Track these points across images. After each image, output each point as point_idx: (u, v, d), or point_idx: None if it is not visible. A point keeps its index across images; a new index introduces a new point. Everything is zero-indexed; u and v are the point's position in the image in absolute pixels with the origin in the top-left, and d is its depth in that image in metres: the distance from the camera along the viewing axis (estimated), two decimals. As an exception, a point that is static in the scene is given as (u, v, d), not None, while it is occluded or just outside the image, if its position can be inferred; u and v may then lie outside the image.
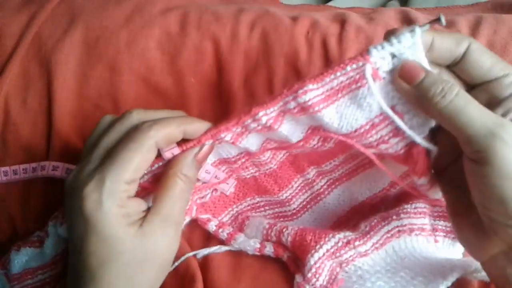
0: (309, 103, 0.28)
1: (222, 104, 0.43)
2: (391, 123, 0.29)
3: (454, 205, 0.31)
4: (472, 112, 0.25)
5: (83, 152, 0.32)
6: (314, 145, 0.33)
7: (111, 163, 0.29)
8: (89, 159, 0.30)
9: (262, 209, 0.42)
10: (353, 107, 0.29)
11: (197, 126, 0.32)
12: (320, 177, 0.41)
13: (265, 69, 0.41)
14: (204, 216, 0.39)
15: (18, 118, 0.42)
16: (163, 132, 0.30)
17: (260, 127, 0.31)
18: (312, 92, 0.28)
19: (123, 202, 0.29)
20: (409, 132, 0.28)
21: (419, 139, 0.28)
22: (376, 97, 0.28)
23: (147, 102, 0.43)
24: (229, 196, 0.42)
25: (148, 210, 0.31)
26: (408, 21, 0.43)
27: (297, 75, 0.41)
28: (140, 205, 0.31)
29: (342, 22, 0.43)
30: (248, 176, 0.40)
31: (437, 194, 0.33)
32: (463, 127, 0.25)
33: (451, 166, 0.30)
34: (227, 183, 0.39)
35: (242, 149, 0.35)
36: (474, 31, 0.41)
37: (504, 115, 0.27)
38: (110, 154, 0.29)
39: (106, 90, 0.42)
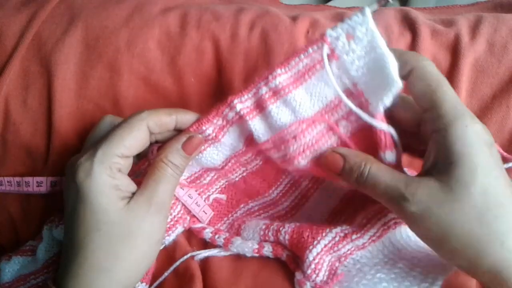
0: (280, 86, 0.32)
1: (222, 104, 0.43)
2: (355, 97, 0.31)
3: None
4: (384, 180, 0.29)
5: (84, 147, 0.34)
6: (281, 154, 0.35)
7: (105, 140, 0.31)
8: (89, 146, 0.33)
9: (257, 213, 0.42)
10: (321, 85, 0.32)
11: (189, 116, 0.34)
12: (303, 177, 0.42)
13: (265, 69, 0.41)
14: (197, 226, 0.40)
15: (18, 118, 0.42)
16: (155, 116, 0.32)
17: (237, 117, 0.33)
18: (281, 76, 0.31)
19: (113, 173, 0.31)
20: (366, 117, 0.30)
21: (375, 122, 0.30)
22: (329, 76, 0.31)
23: (147, 101, 0.43)
24: (222, 205, 0.42)
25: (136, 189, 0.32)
26: (408, 20, 0.43)
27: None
28: (130, 183, 0.32)
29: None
30: (237, 179, 0.41)
31: None
32: (381, 195, 0.30)
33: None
34: (205, 212, 0.39)
35: (226, 154, 0.37)
36: (474, 30, 0.41)
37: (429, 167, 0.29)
38: (106, 135, 0.32)
39: (106, 90, 0.42)
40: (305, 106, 0.32)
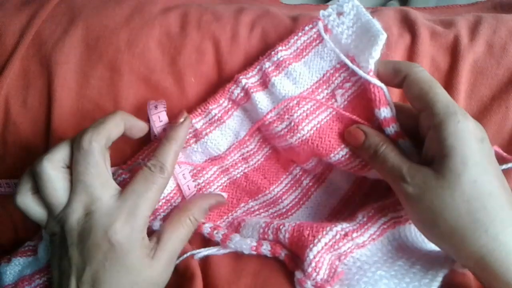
0: (281, 59, 0.36)
1: (222, 104, 0.43)
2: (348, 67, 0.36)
3: None
4: (392, 160, 0.32)
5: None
6: (282, 129, 0.36)
7: (135, 203, 0.32)
8: (75, 197, 0.32)
9: (257, 212, 0.42)
10: (317, 59, 0.37)
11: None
12: (306, 174, 0.42)
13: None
14: None
15: (18, 118, 0.42)
16: (170, 162, 0.34)
17: (242, 93, 0.36)
18: (282, 52, 0.36)
19: (144, 234, 0.33)
20: (361, 73, 0.34)
21: (369, 77, 0.33)
22: (330, 44, 0.36)
23: (146, 101, 0.42)
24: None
25: (154, 239, 0.34)
26: (407, 21, 0.43)
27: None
28: (147, 239, 0.34)
29: (342, 22, 0.43)
30: (239, 175, 0.41)
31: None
32: (387, 172, 0.33)
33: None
34: (189, 187, 0.40)
35: (230, 141, 0.38)
36: (474, 31, 0.41)
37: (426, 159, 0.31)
38: (129, 196, 0.32)
39: (106, 90, 0.42)
40: (305, 77, 0.36)
